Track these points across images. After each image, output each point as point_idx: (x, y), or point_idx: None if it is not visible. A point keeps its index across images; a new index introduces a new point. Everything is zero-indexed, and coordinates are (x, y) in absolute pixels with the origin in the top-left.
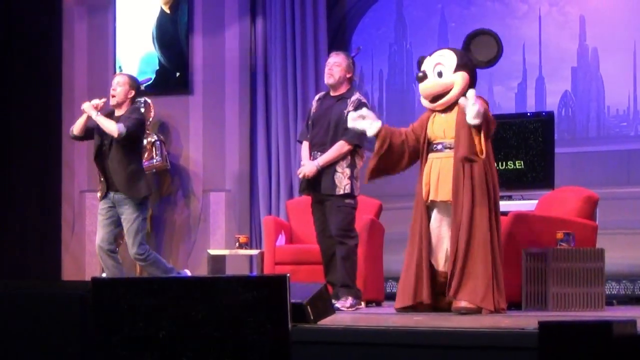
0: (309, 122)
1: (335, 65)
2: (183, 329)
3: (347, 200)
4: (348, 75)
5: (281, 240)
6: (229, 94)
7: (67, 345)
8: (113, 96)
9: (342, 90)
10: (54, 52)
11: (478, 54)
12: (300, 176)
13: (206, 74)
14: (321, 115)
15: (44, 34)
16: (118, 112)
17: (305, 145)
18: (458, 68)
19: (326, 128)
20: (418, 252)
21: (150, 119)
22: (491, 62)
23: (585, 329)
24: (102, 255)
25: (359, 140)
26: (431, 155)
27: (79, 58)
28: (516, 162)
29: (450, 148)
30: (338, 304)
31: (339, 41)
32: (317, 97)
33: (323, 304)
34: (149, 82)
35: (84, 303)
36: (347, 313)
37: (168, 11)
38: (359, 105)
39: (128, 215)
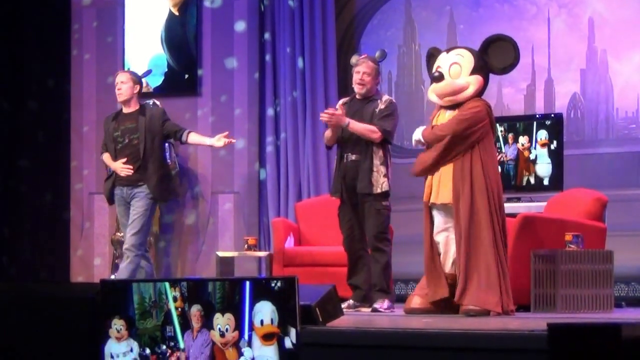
0: None
1: (365, 75)
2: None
3: (385, 203)
4: (376, 82)
5: (290, 242)
6: (238, 95)
7: (76, 347)
8: (120, 94)
9: (371, 93)
10: (62, 54)
11: (494, 60)
12: (327, 120)
13: (215, 75)
14: (351, 117)
15: (53, 35)
16: (127, 110)
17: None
18: (474, 71)
19: None
20: (425, 253)
21: None
22: (506, 70)
23: (595, 330)
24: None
25: (388, 135)
26: None
27: (87, 60)
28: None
29: None
30: (376, 305)
31: (347, 43)
32: (341, 101)
33: (332, 306)
34: (149, 75)
35: (93, 305)
36: (358, 315)
37: (177, 13)
38: (390, 105)
39: (139, 208)
